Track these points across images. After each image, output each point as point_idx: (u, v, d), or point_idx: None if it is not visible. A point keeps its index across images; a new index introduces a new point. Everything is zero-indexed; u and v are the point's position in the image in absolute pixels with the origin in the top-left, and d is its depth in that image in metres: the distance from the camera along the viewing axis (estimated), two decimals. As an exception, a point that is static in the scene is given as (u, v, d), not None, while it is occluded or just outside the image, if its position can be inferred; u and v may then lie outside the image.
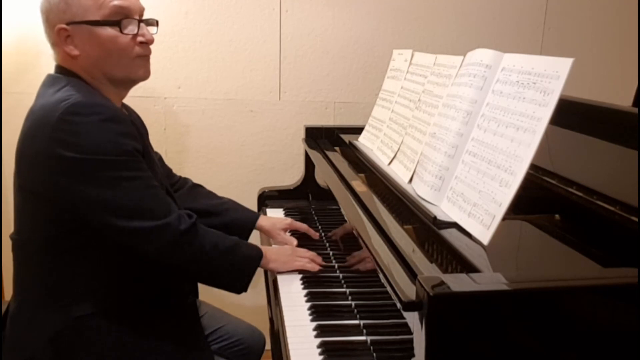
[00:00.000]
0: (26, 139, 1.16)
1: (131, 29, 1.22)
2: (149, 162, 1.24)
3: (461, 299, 0.72)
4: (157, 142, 1.85)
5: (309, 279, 1.35)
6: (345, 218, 1.43)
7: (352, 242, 1.29)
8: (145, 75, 1.28)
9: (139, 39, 1.23)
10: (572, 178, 1.07)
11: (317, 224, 1.66)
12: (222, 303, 1.74)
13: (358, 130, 1.73)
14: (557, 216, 1.10)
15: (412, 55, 1.53)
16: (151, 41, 1.26)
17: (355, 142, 1.68)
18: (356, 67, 2.17)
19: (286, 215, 1.78)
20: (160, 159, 1.56)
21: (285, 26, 2.09)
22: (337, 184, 1.42)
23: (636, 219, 0.89)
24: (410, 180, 1.24)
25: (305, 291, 1.30)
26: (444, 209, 1.07)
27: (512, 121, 0.96)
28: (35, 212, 1.19)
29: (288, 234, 1.58)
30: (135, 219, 1.14)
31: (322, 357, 1.05)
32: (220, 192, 1.66)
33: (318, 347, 1.08)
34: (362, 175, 1.47)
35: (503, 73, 1.05)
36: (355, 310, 1.21)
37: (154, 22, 1.31)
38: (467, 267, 0.86)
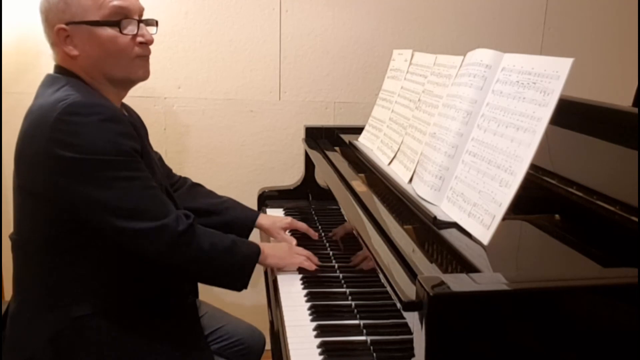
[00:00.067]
0: (25, 139, 1.16)
1: (131, 29, 1.22)
2: (148, 163, 1.24)
3: (461, 299, 0.71)
4: (157, 142, 1.85)
5: (309, 279, 1.35)
6: (345, 218, 1.43)
7: (352, 242, 1.29)
8: (145, 75, 1.28)
9: (139, 39, 1.23)
10: (572, 178, 1.07)
11: (317, 224, 1.66)
12: (222, 303, 1.74)
13: (358, 130, 1.73)
14: (557, 216, 1.10)
15: (412, 55, 1.53)
16: (151, 41, 1.26)
17: (355, 142, 1.67)
18: (356, 67, 2.17)
19: (286, 215, 1.78)
20: (160, 159, 1.56)
21: (285, 26, 2.09)
22: (337, 184, 1.42)
23: (636, 219, 0.89)
24: (410, 180, 1.24)
25: (305, 291, 1.30)
26: (444, 209, 1.06)
27: (512, 121, 0.96)
28: (35, 212, 1.19)
29: (288, 233, 1.58)
30: (134, 219, 1.14)
31: (322, 357, 1.05)
32: (220, 192, 1.66)
33: (318, 347, 1.08)
34: (362, 175, 1.47)
35: (503, 73, 1.04)
36: (355, 310, 1.21)
37: (153, 23, 1.30)
38: (467, 267, 0.86)
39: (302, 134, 1.95)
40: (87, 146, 1.10)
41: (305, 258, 1.39)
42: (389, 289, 0.88)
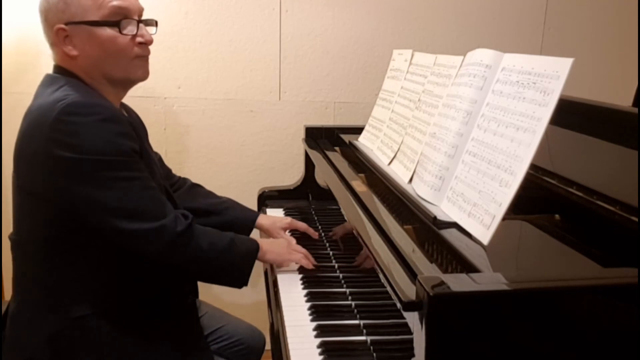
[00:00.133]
0: (24, 139, 1.16)
1: (130, 29, 1.22)
2: (148, 163, 1.24)
3: (461, 299, 0.71)
4: (157, 142, 1.85)
5: (309, 279, 1.35)
6: (345, 218, 1.43)
7: (352, 242, 1.29)
8: (144, 75, 1.27)
9: (138, 39, 1.23)
10: (572, 178, 1.07)
11: (317, 224, 1.66)
12: (222, 303, 1.74)
13: (358, 130, 1.73)
14: (557, 216, 1.10)
15: (412, 55, 1.53)
16: (150, 42, 1.26)
17: (355, 142, 1.67)
18: (356, 67, 2.16)
19: (286, 215, 1.78)
20: (160, 159, 1.55)
21: (285, 26, 2.09)
22: (337, 184, 1.42)
23: (636, 219, 0.89)
24: (410, 180, 1.24)
25: (305, 291, 1.30)
26: (444, 209, 1.06)
27: (512, 121, 0.96)
28: (34, 213, 1.19)
29: (288, 233, 1.58)
30: (133, 220, 1.14)
31: (322, 357, 1.05)
32: (220, 192, 1.66)
33: (318, 347, 1.08)
34: (362, 175, 1.47)
35: (503, 73, 1.04)
36: (355, 310, 1.21)
37: (153, 23, 1.30)
38: (467, 267, 0.86)
39: (302, 134, 1.95)
40: (86, 146, 1.10)
41: (302, 256, 1.39)
42: (389, 289, 0.88)
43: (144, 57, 1.26)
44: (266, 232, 1.59)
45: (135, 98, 1.64)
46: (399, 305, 0.81)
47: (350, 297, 1.27)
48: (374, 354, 1.07)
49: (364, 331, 1.14)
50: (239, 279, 1.28)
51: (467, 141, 1.08)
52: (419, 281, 0.73)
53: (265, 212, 1.80)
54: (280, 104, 2.15)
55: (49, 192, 1.14)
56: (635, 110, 1.09)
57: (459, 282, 0.73)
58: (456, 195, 1.04)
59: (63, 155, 1.09)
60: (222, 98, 2.11)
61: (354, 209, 1.23)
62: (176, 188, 1.58)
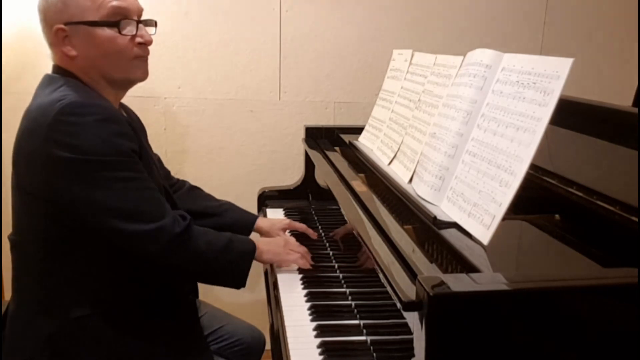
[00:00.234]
0: (23, 139, 1.16)
1: (129, 29, 1.21)
2: (147, 163, 1.23)
3: (461, 299, 0.71)
4: (157, 142, 1.85)
5: (309, 279, 1.35)
6: (345, 218, 1.43)
7: (352, 242, 1.29)
8: (144, 76, 1.27)
9: (138, 39, 1.23)
10: (572, 178, 1.07)
11: (317, 224, 1.66)
12: (222, 303, 1.74)
13: (358, 130, 1.73)
14: (557, 216, 1.10)
15: (412, 55, 1.53)
16: (149, 42, 1.26)
17: (355, 142, 1.67)
18: (356, 67, 2.16)
19: (286, 215, 1.78)
20: (159, 160, 1.55)
21: (285, 26, 2.09)
22: (337, 184, 1.42)
23: (636, 219, 0.89)
24: (410, 180, 1.24)
25: (305, 291, 1.30)
26: (444, 209, 1.06)
27: (512, 121, 0.96)
28: (33, 213, 1.19)
29: (288, 234, 1.58)
30: (131, 221, 1.13)
31: (322, 357, 1.05)
32: (220, 192, 1.66)
33: (318, 347, 1.08)
34: (362, 175, 1.47)
35: (503, 73, 1.04)
36: (355, 310, 1.21)
37: (152, 23, 1.30)
38: (467, 267, 0.85)
39: (302, 134, 1.95)
40: (84, 146, 1.09)
41: (299, 256, 1.39)
42: (389, 289, 0.88)
43: (143, 58, 1.26)
44: (265, 235, 1.59)
45: (135, 98, 1.64)
46: (399, 305, 0.81)
47: (350, 297, 1.27)
48: (374, 354, 1.07)
49: (364, 331, 1.14)
50: (236, 279, 1.28)
51: (467, 141, 1.08)
52: (419, 281, 0.73)
53: (265, 212, 1.80)
54: (280, 104, 2.15)
55: (48, 192, 1.14)
56: (635, 110, 1.09)
57: (459, 282, 0.73)
58: (456, 195, 1.04)
59: (62, 155, 1.09)
60: (222, 98, 2.11)
61: (354, 209, 1.23)
62: (175, 190, 1.57)
